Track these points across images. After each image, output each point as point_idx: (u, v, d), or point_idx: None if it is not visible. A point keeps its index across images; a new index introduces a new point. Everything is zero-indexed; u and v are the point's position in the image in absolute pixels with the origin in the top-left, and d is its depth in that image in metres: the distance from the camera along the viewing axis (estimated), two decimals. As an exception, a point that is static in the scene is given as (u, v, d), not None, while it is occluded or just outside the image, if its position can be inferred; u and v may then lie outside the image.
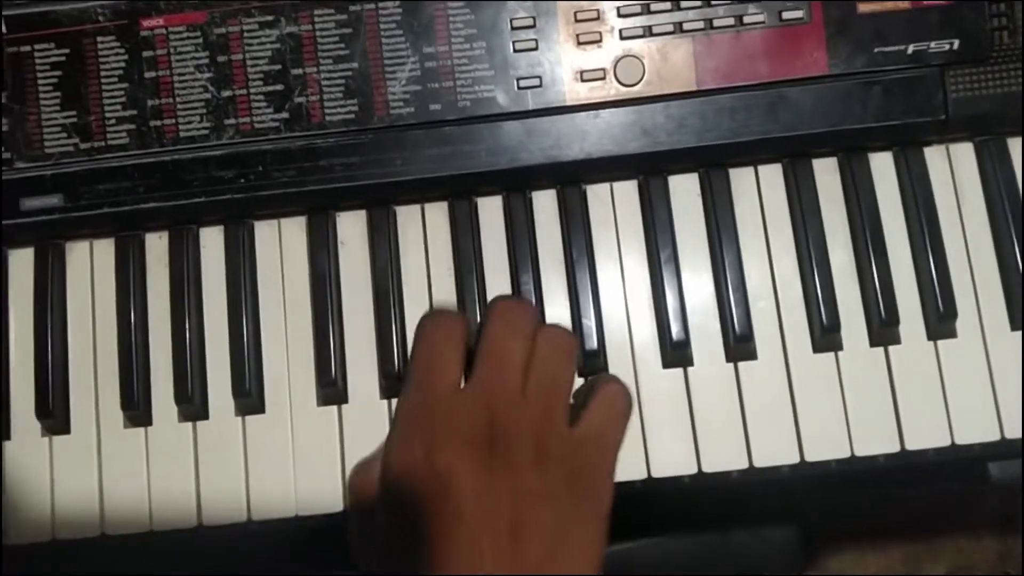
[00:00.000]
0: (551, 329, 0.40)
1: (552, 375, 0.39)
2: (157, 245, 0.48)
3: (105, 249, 0.48)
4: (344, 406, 0.46)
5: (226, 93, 0.46)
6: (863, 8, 0.46)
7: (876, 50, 0.46)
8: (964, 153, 0.48)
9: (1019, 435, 0.46)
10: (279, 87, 0.46)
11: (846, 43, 0.46)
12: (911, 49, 0.46)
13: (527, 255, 0.47)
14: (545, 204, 0.48)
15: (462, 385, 0.39)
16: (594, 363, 0.46)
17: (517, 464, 0.37)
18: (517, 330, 0.39)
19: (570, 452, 0.38)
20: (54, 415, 0.46)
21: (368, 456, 0.42)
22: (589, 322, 0.46)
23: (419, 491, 0.36)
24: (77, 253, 0.49)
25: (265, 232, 0.48)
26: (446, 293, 0.47)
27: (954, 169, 0.48)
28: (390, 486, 0.38)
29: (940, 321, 0.46)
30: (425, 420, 0.38)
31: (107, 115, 0.47)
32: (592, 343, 0.46)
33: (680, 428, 0.46)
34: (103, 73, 0.47)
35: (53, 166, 0.47)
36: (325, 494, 0.46)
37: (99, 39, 0.47)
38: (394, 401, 0.46)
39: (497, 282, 0.47)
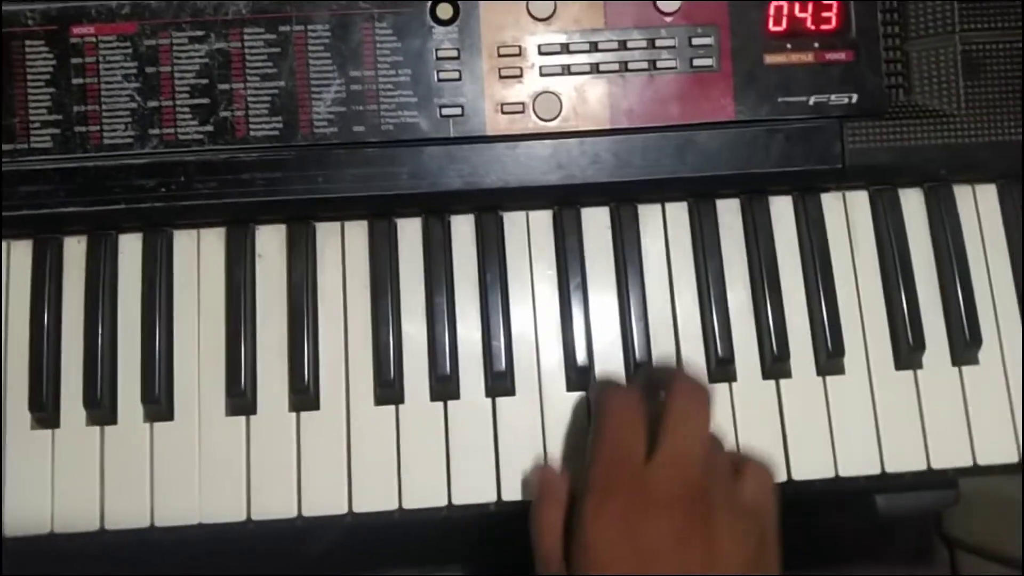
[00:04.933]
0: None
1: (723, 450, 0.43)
2: (75, 249, 0.49)
3: (22, 251, 0.49)
4: (252, 417, 0.47)
5: (152, 103, 0.47)
6: (770, 60, 0.49)
7: (780, 100, 0.49)
8: (859, 201, 0.51)
9: (901, 469, 0.48)
10: (205, 100, 0.47)
11: (752, 92, 0.48)
12: (813, 100, 0.49)
13: (442, 277, 0.49)
14: (463, 228, 0.50)
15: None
16: (501, 384, 0.48)
17: (716, 514, 0.39)
18: (698, 402, 0.42)
19: (745, 512, 0.40)
20: (-42, 414, 0.46)
21: (548, 496, 0.43)
22: (498, 343, 0.48)
23: (620, 562, 0.38)
24: (-7, 253, 0.49)
25: (184, 242, 0.49)
26: (361, 311, 0.49)
27: (849, 215, 0.51)
28: (586, 556, 0.39)
29: (829, 358, 0.48)
30: (621, 492, 0.39)
31: (31, 118, 0.47)
32: (500, 365, 0.48)
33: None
34: (30, 76, 0.47)
35: (-27, 165, 0.47)
36: (229, 504, 0.46)
37: (27, 43, 0.47)
38: (303, 414, 0.47)
39: (412, 301, 0.49)
